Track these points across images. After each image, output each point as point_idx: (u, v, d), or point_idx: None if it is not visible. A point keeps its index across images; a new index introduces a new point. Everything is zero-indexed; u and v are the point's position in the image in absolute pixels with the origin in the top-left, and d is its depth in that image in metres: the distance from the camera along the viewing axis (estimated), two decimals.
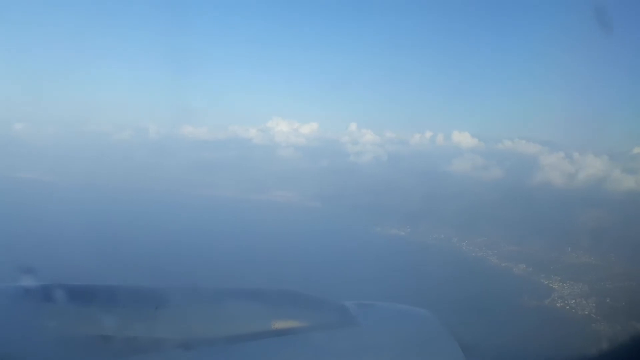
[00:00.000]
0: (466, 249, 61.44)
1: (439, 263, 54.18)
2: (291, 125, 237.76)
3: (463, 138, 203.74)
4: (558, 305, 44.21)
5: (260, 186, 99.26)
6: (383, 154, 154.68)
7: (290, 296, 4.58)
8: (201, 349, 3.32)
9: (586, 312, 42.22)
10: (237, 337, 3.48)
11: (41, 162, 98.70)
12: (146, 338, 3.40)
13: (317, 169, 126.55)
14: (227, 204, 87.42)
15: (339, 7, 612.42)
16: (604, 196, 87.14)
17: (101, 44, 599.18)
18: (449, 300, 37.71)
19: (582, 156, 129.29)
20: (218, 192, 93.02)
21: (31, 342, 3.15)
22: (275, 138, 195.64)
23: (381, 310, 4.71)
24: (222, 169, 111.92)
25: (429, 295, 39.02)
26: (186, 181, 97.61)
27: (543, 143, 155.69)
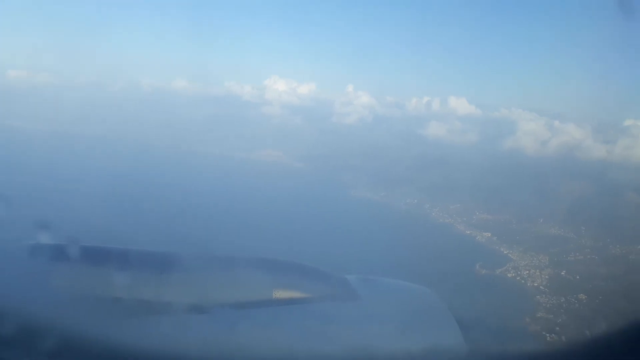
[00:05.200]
0: (436, 215, 61.27)
1: (403, 229, 54.39)
2: (289, 85, 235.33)
3: (460, 104, 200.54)
4: (509, 275, 44.05)
5: (248, 145, 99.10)
6: (369, 116, 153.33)
7: (296, 267, 4.70)
8: (209, 313, 3.46)
9: (535, 284, 42.13)
10: (242, 304, 3.61)
11: (34, 111, 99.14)
12: (154, 301, 3.49)
13: (305, 130, 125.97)
14: (212, 161, 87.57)
15: None
16: (587, 167, 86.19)
17: None
18: (399, 264, 37.98)
19: (564, 125, 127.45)
20: (203, 149, 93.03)
21: (43, 300, 3.23)
22: (267, 96, 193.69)
23: (382, 285, 4.90)
24: (210, 126, 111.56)
25: (379, 259, 39.32)
26: (173, 137, 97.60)
27: (540, 112, 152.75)
